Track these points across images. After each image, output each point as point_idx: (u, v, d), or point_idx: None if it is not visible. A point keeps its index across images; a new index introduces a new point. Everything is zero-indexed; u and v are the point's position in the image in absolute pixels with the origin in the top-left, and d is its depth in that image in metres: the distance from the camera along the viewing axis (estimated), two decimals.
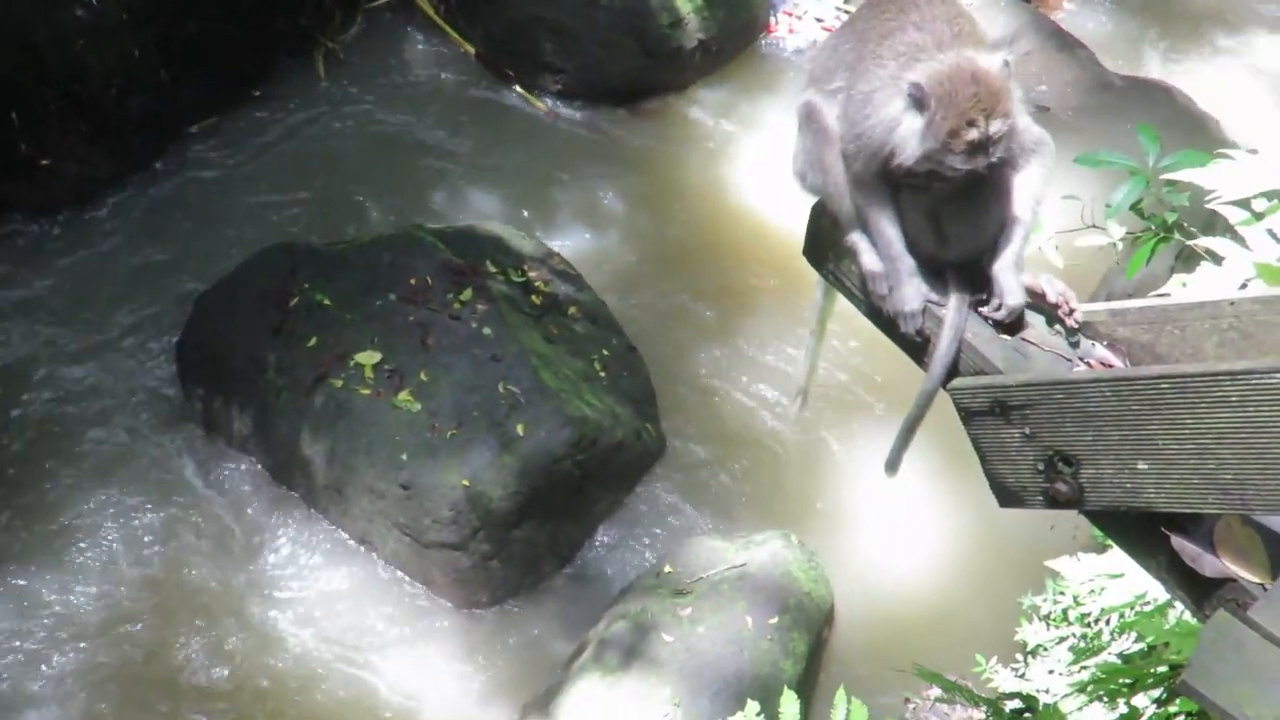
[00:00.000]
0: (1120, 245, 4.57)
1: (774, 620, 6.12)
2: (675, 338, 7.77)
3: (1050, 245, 4.48)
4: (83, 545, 6.64)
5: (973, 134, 2.35)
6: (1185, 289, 3.45)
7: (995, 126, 2.36)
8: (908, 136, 2.39)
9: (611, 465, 6.83)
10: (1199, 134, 8.13)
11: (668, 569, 6.42)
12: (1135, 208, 4.31)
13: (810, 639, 6.23)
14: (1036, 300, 2.46)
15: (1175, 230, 4.30)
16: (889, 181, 2.47)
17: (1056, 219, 4.50)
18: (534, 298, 7.26)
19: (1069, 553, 5.75)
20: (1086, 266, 4.69)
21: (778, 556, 6.41)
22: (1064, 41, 9.22)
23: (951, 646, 6.30)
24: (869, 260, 2.50)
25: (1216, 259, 3.57)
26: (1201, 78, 9.65)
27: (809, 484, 7.13)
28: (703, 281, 8.05)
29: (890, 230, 2.47)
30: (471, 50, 9.50)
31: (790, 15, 10.01)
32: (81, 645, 6.30)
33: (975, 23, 2.50)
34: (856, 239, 2.53)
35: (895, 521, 6.90)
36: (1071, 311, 2.41)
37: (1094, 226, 4.56)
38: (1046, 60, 9.03)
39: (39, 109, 7.94)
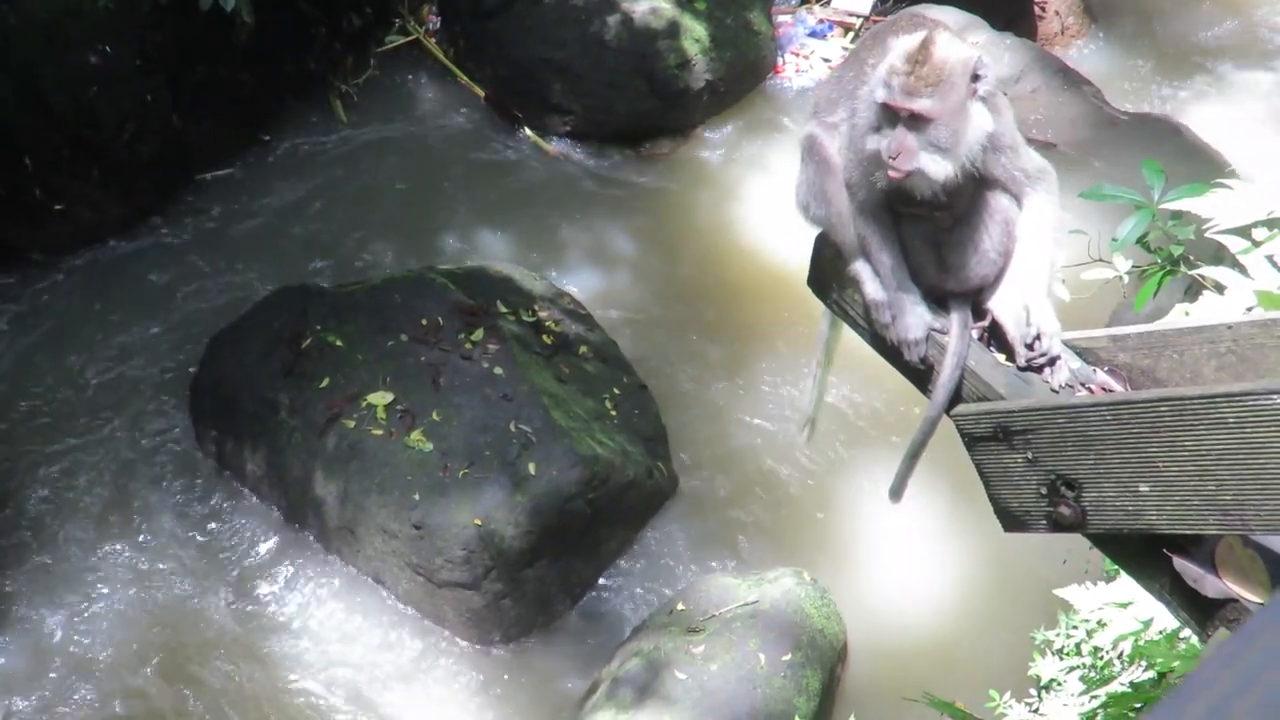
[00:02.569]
0: (1127, 279, 4.59)
1: (787, 657, 6.11)
2: (686, 376, 7.79)
3: (1057, 279, 4.49)
4: (97, 588, 6.66)
5: (893, 84, 2.36)
6: (1188, 318, 3.48)
7: (921, 101, 2.36)
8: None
9: (623, 503, 6.85)
10: (1205, 168, 8.15)
11: (680, 607, 6.42)
12: (1141, 241, 4.34)
13: (824, 676, 6.22)
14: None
15: (1181, 263, 4.33)
16: (891, 211, 2.51)
17: (1063, 254, 4.52)
18: (545, 337, 7.30)
19: (1081, 583, 5.74)
20: (1094, 300, 4.70)
21: (790, 593, 6.41)
22: (1070, 78, 9.27)
23: (965, 681, 6.28)
24: (872, 289, 2.53)
25: (1220, 289, 3.60)
26: (1209, 113, 9.68)
27: (820, 518, 7.13)
28: (712, 319, 8.08)
29: (893, 259, 2.51)
30: (481, 93, 9.58)
31: (797, 55, 10.07)
32: (96, 690, 6.31)
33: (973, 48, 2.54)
34: (859, 268, 2.56)
35: (908, 554, 6.90)
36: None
37: (1100, 260, 4.57)
38: (1052, 97, 9.08)
39: (51, 154, 8.03)
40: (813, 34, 10.24)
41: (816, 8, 10.47)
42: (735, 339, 7.96)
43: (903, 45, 2.38)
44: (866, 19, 10.16)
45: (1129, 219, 4.27)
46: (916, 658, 6.60)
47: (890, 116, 2.40)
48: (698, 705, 5.86)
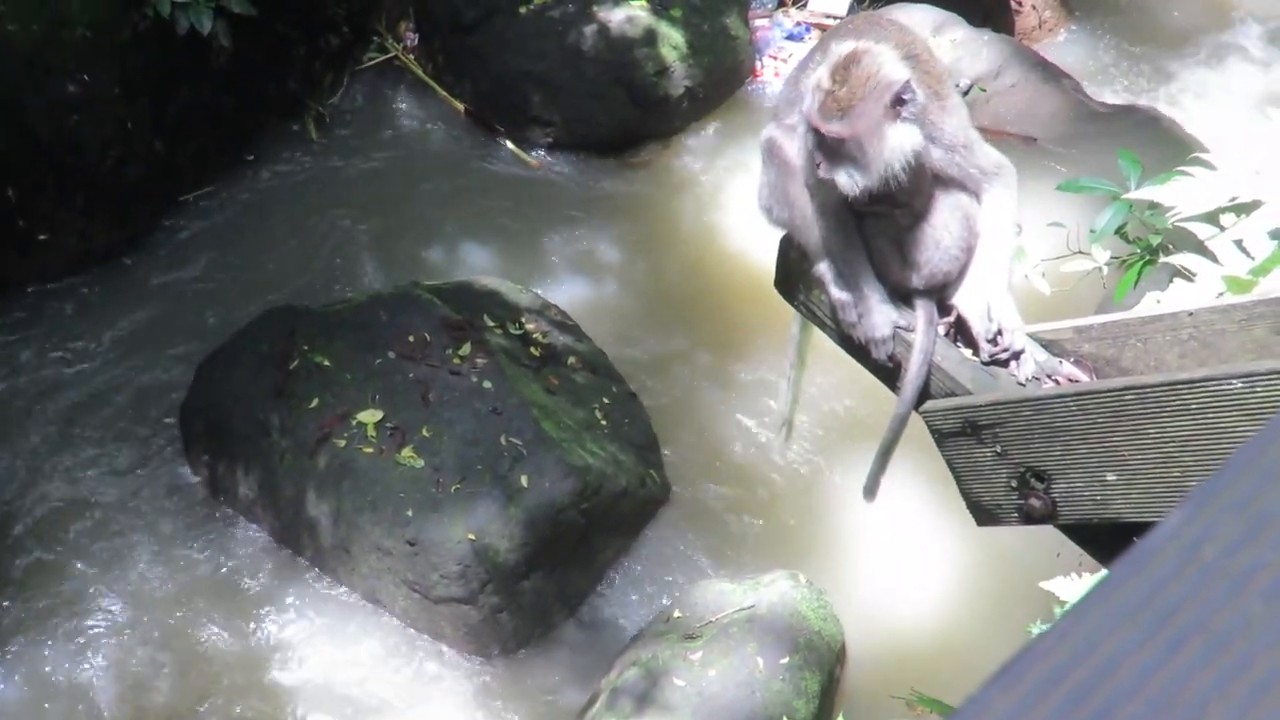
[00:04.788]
0: (1106, 270, 4.60)
1: (785, 660, 6.12)
2: (675, 383, 7.80)
3: (1036, 273, 4.51)
4: (93, 618, 6.65)
5: (813, 101, 2.38)
6: (1158, 305, 3.49)
7: (832, 125, 2.37)
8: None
9: (616, 513, 6.86)
10: (1185, 158, 8.16)
11: (677, 614, 6.42)
12: (1120, 232, 4.35)
13: (822, 677, 6.23)
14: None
15: (1160, 252, 4.34)
16: (852, 211, 2.52)
17: (1042, 246, 4.53)
18: (533, 349, 7.31)
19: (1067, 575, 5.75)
20: (1074, 293, 4.71)
21: (786, 596, 6.41)
22: (1049, 73, 9.29)
23: (964, 677, 6.25)
24: (837, 289, 2.55)
25: (1189, 276, 3.62)
26: (1189, 102, 9.72)
27: (814, 520, 7.14)
28: (700, 325, 8.10)
29: (856, 259, 2.52)
30: (461, 107, 9.59)
31: (775, 59, 10.08)
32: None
33: (931, 50, 2.55)
34: (824, 269, 2.57)
35: (903, 552, 6.90)
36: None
37: (1080, 253, 4.58)
38: (1031, 91, 9.10)
39: (35, 183, 8.02)
40: (790, 37, 10.25)
41: (793, 11, 10.48)
42: (724, 344, 7.97)
43: (831, 59, 2.40)
44: (843, 21, 10.18)
45: (1106, 210, 4.28)
46: (915, 655, 6.60)
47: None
48: (697, 712, 5.87)
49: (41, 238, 8.13)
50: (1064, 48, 10.36)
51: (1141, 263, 4.31)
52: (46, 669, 6.47)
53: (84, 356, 7.82)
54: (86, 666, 6.50)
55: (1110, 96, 9.63)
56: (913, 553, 6.90)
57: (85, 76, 8.10)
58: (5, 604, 6.71)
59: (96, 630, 6.62)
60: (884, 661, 6.62)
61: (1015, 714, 0.58)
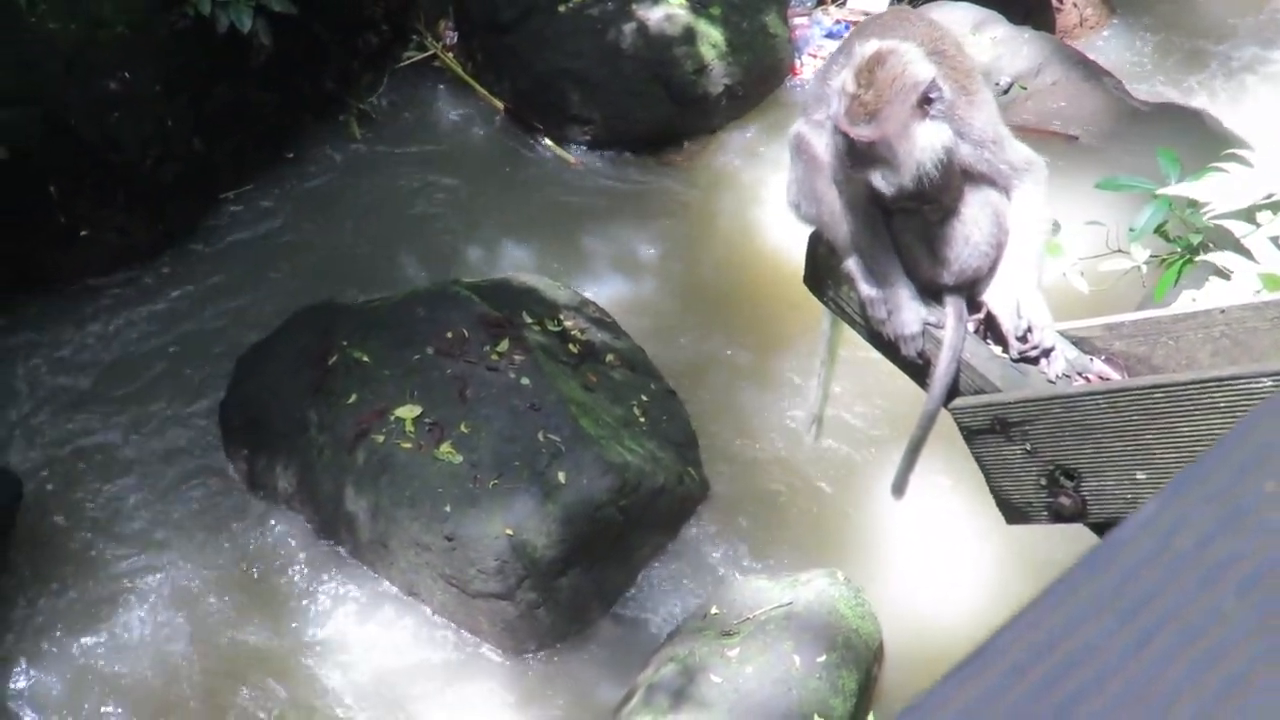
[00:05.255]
0: (1145, 269, 4.57)
1: (822, 658, 6.10)
2: (714, 380, 7.79)
3: (1075, 271, 4.48)
4: (132, 609, 6.73)
5: (839, 105, 2.37)
6: (1193, 303, 3.47)
7: (859, 129, 2.36)
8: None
9: (654, 510, 6.86)
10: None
11: (714, 610, 6.41)
12: (1160, 230, 4.31)
13: (860, 676, 6.20)
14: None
15: (1200, 251, 4.30)
16: (881, 207, 2.52)
17: (1081, 244, 4.50)
18: (571, 346, 7.32)
19: None
20: (1113, 291, 4.67)
21: (823, 594, 6.39)
22: (1090, 70, 9.21)
23: None
24: (866, 286, 2.54)
25: (1227, 274, 3.59)
26: (1232, 100, 9.62)
27: (852, 518, 7.12)
28: (739, 323, 8.09)
29: (885, 255, 2.51)
30: (500, 105, 9.62)
31: (815, 57, 10.05)
32: (135, 713, 6.37)
33: (958, 44, 2.54)
34: (853, 265, 2.56)
35: (940, 550, 6.87)
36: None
37: (1119, 251, 4.55)
38: (1073, 89, 9.03)
39: (76, 180, 8.12)
40: (829, 35, 10.21)
41: (832, 8, 10.44)
42: (762, 342, 7.96)
43: (855, 61, 2.38)
44: (869, 18, 10.12)
45: (1146, 208, 4.25)
46: (954, 654, 6.52)
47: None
48: (733, 709, 5.86)
49: (82, 234, 8.22)
50: (1105, 45, 10.28)
51: (1181, 261, 4.28)
52: (83, 659, 6.55)
53: (123, 352, 7.90)
54: (123, 655, 6.57)
55: (1152, 95, 9.55)
56: (951, 550, 6.88)
57: (125, 74, 8.18)
58: (43, 593, 6.79)
59: (134, 624, 6.69)
60: (922, 660, 6.59)
61: (974, 709, 0.58)
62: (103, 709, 6.39)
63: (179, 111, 8.48)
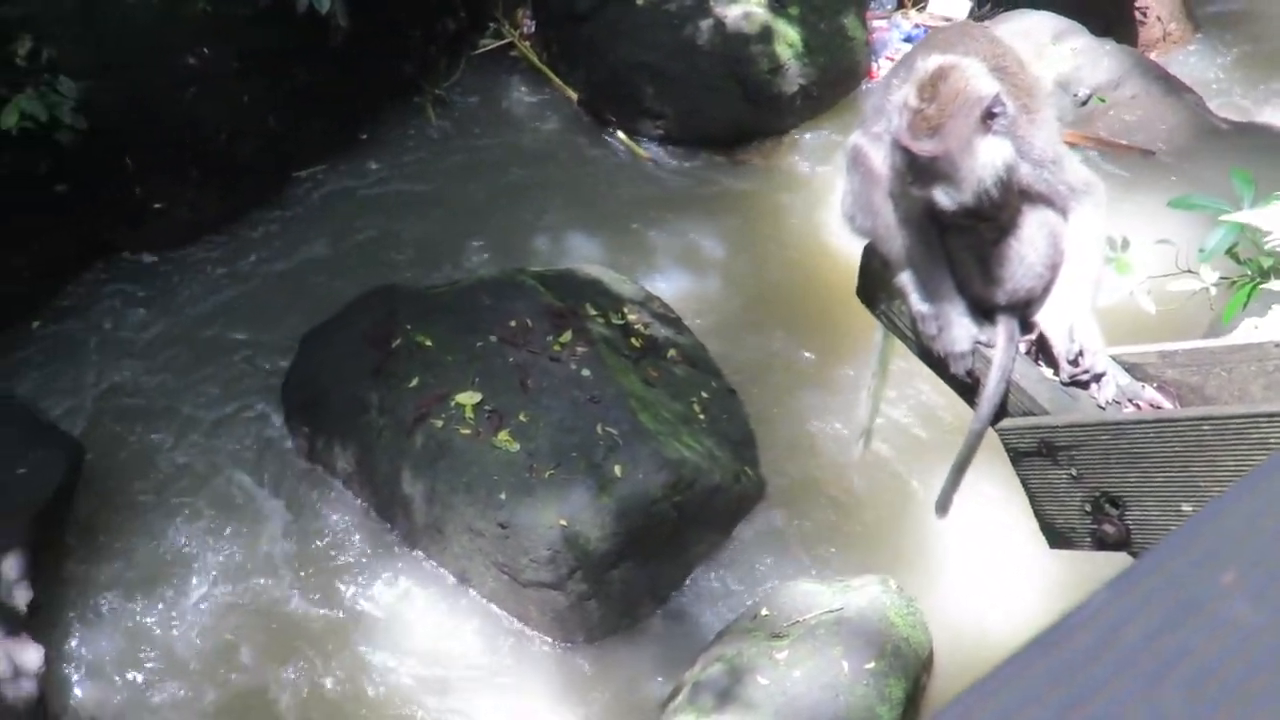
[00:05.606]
0: (1214, 291, 4.49)
1: (871, 665, 6.06)
2: (774, 381, 7.77)
3: (1143, 290, 4.42)
4: (187, 578, 6.83)
5: (901, 120, 2.34)
6: (1255, 330, 3.41)
7: (922, 144, 2.34)
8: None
9: (710, 507, 6.85)
10: None
11: (764, 612, 6.39)
12: (1230, 252, 4.24)
13: (908, 685, 6.16)
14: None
15: (1271, 275, 4.22)
16: (936, 222, 2.50)
17: (1150, 263, 4.44)
18: (633, 340, 7.33)
19: None
20: (1180, 312, 4.61)
21: (875, 601, 6.35)
22: (1170, 86, 9.09)
23: None
24: (918, 301, 2.52)
25: None
26: None
27: (907, 526, 7.07)
28: (802, 325, 8.06)
29: (938, 271, 2.50)
30: (574, 96, 9.64)
31: (892, 61, 9.98)
32: (187, 679, 6.47)
33: (1021, 61, 2.52)
34: (905, 279, 2.55)
35: (994, 564, 6.81)
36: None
37: (1188, 272, 4.48)
38: (1152, 104, 8.92)
39: (151, 155, 8.25)
40: (908, 39, 10.15)
41: (912, 13, 10.39)
42: (825, 345, 7.93)
43: (918, 76, 2.37)
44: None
45: (1217, 229, 4.18)
46: None
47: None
48: (779, 711, 5.84)
49: (155, 207, 8.34)
50: (1187, 61, 10.13)
51: (1251, 285, 4.20)
52: (137, 624, 6.65)
53: (190, 324, 8.02)
54: (176, 622, 6.66)
55: (1233, 113, 9.40)
56: (1003, 563, 6.82)
57: (205, 51, 8.28)
58: (102, 557, 6.91)
59: (189, 591, 6.78)
60: (972, 672, 6.50)
61: None
62: (152, 674, 6.49)
63: (256, 90, 8.57)
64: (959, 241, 2.50)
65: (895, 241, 2.54)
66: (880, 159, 2.55)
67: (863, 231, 2.64)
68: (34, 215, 7.98)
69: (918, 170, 2.36)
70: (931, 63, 2.36)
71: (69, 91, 7.70)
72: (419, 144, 9.38)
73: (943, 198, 2.36)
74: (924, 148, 2.33)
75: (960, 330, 2.46)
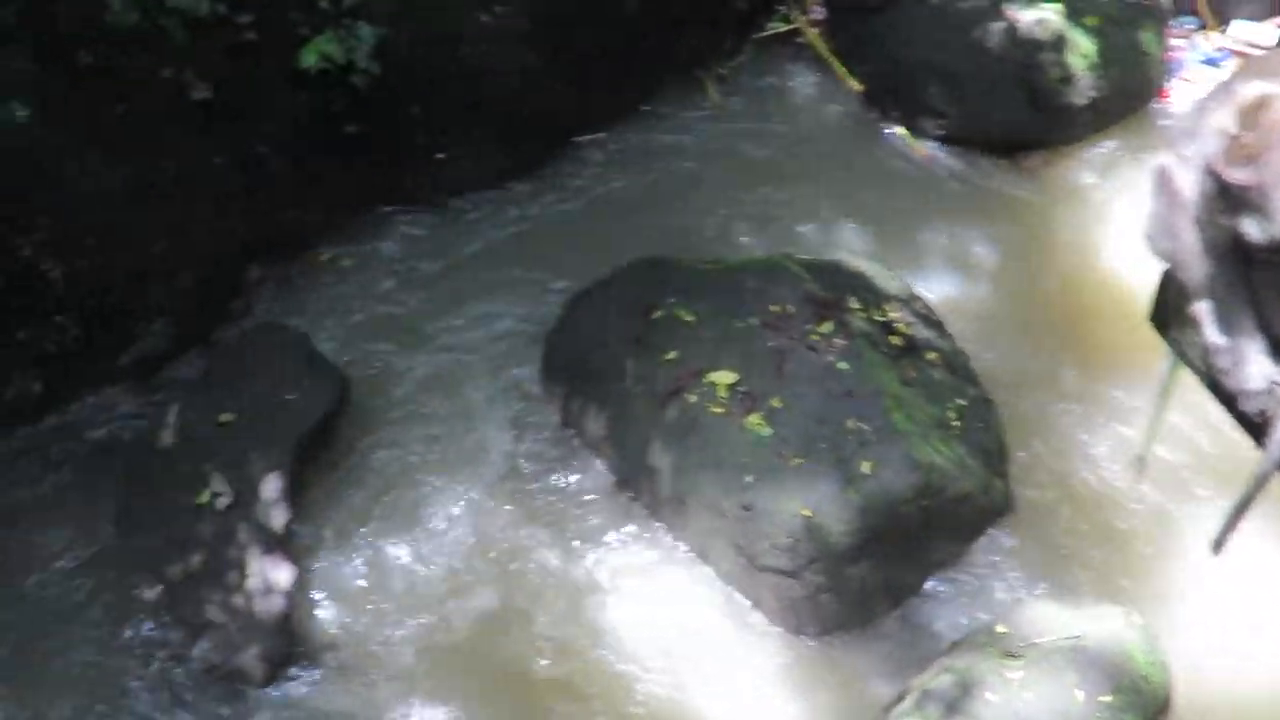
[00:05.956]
0: None
1: (1106, 699, 5.88)
2: (1033, 395, 7.60)
3: None
4: (432, 517, 7.10)
5: (1216, 145, 2.26)
6: None
7: (1235, 172, 2.25)
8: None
9: (955, 516, 6.76)
10: None
11: (1001, 629, 6.27)
12: None
13: None
14: None
15: None
16: (1242, 255, 2.42)
17: None
18: (893, 338, 7.27)
19: None
20: None
21: (1116, 633, 6.16)
22: None
23: None
24: (1213, 333, 2.45)
25: None
26: None
27: (1157, 561, 6.83)
28: (1068, 342, 7.86)
29: (1239, 305, 2.42)
30: (857, 87, 9.59)
31: (1186, 82, 9.64)
32: (423, 613, 6.74)
33: None
34: (1203, 310, 2.48)
35: (1247, 612, 6.53)
36: None
37: None
38: None
39: (438, 106, 8.53)
40: (1207, 61, 9.78)
41: (1214, 34, 9.99)
42: (1090, 365, 7.72)
43: (1237, 102, 2.29)
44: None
45: None
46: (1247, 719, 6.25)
47: None
48: None
49: (438, 156, 8.64)
50: None
51: None
52: (383, 555, 6.94)
53: (460, 272, 8.36)
54: (420, 559, 6.94)
55: None
56: (1259, 613, 6.53)
57: (498, 8, 8.48)
58: (354, 488, 7.24)
59: (436, 533, 7.04)
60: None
61: None
62: (392, 605, 6.77)
63: (543, 51, 8.76)
64: (1264, 277, 2.41)
65: (1195, 269, 2.46)
66: (1189, 184, 2.48)
67: (1162, 254, 2.58)
68: (326, 155, 8.35)
69: (1229, 198, 2.30)
70: (1253, 89, 2.28)
71: (366, 36, 8.00)
72: (697, 120, 9.48)
73: (1253, 229, 2.29)
74: (1238, 176, 2.27)
75: (1256, 368, 2.38)
